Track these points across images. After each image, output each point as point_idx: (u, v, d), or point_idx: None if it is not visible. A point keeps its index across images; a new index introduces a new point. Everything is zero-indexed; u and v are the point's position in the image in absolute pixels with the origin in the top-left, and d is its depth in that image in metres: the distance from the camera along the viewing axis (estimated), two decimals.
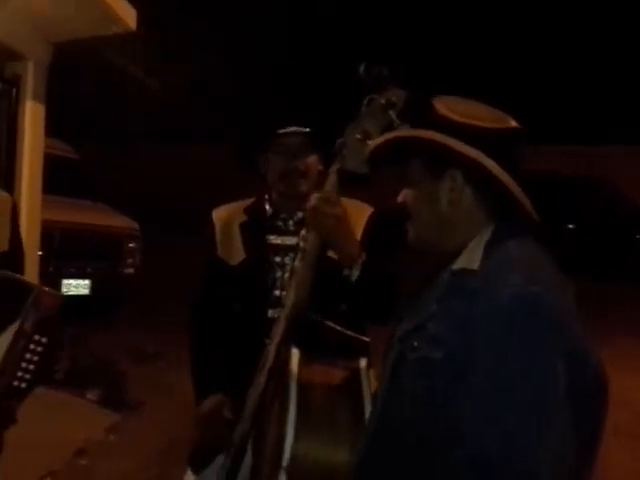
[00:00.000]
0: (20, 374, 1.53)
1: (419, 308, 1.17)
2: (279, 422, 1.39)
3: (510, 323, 1.00)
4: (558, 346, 1.00)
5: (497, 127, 1.14)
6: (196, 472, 1.87)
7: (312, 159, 1.84)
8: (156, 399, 4.70)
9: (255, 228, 1.89)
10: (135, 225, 7.51)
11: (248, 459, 1.59)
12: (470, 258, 1.11)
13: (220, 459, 1.70)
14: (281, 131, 1.82)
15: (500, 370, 0.99)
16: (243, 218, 1.92)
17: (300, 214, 1.83)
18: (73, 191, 6.95)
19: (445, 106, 1.16)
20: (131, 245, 7.32)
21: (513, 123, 1.16)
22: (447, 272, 1.14)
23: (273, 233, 1.87)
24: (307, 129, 1.81)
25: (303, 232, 1.70)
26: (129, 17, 4.04)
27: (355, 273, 1.55)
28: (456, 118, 1.13)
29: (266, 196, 1.93)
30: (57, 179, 5.61)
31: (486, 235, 1.13)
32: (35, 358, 1.54)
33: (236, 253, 1.87)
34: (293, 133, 1.81)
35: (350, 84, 1.50)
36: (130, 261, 7.32)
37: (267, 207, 1.92)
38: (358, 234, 1.76)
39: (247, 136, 2.10)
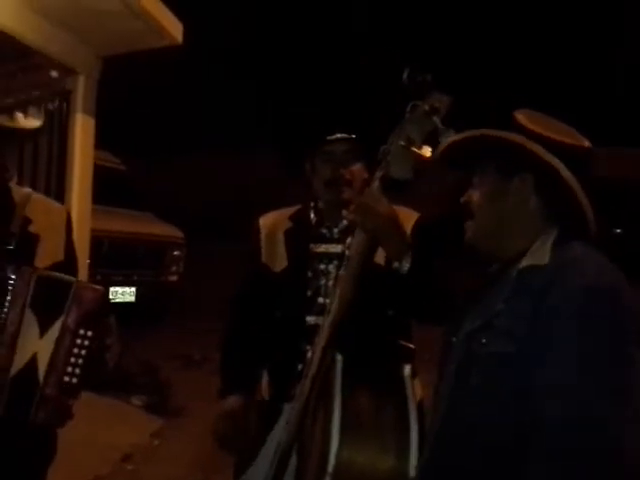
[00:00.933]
0: (70, 369, 1.56)
1: (481, 308, 1.20)
2: (324, 429, 1.40)
3: (586, 312, 1.05)
4: (632, 333, 1.06)
5: (574, 144, 1.22)
6: (235, 476, 1.90)
7: (357, 167, 1.84)
8: (200, 404, 4.75)
9: (299, 235, 1.91)
10: (179, 233, 7.67)
11: (292, 465, 1.60)
12: (538, 255, 1.16)
13: (261, 465, 1.72)
14: (327, 138, 1.83)
15: (580, 358, 1.03)
16: (288, 225, 1.94)
17: (345, 222, 1.84)
18: (120, 201, 7.14)
19: (526, 117, 1.23)
20: (175, 253, 7.48)
21: (587, 142, 1.24)
22: (513, 271, 1.18)
23: (317, 241, 1.89)
24: (353, 136, 1.83)
25: (349, 240, 1.70)
26: (175, 30, 4.14)
27: (405, 265, 1.53)
28: (538, 130, 1.20)
29: (311, 204, 1.95)
30: (105, 190, 5.77)
31: (552, 236, 1.19)
32: (83, 352, 1.56)
33: (279, 260, 1.90)
34: (339, 140, 1.82)
35: (394, 91, 1.51)
36: (174, 268, 7.48)
37: (312, 215, 1.93)
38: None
39: (294, 143, 2.12)
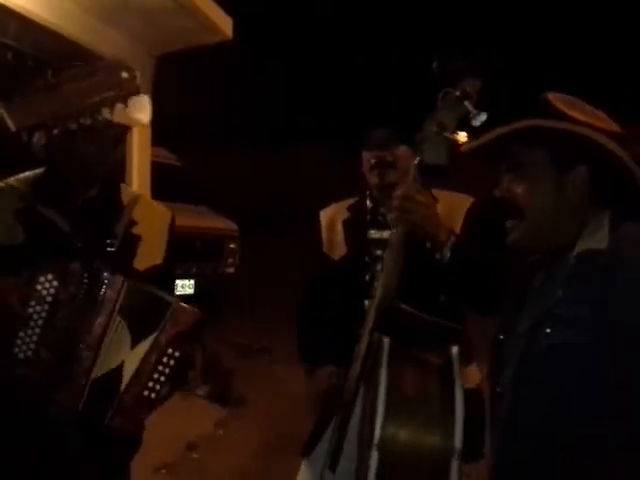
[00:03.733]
0: (151, 384, 1.60)
1: (538, 297, 1.18)
2: (372, 405, 1.43)
3: None
4: None
5: (621, 131, 1.18)
6: (306, 454, 1.95)
7: (401, 150, 1.91)
8: (261, 394, 4.84)
9: (357, 224, 1.99)
10: (234, 226, 7.79)
11: (352, 440, 1.63)
12: (596, 239, 1.13)
13: (325, 444, 1.77)
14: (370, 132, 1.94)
15: None
16: (346, 215, 2.04)
17: None
18: (177, 196, 7.28)
19: (563, 103, 1.18)
20: (231, 246, 7.62)
21: (618, 127, 1.20)
22: (568, 257, 1.15)
23: (374, 228, 1.96)
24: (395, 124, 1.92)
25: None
26: (225, 26, 4.16)
27: (446, 255, 1.56)
28: (580, 117, 1.15)
29: (367, 192, 2.03)
30: (163, 185, 5.89)
31: (604, 219, 1.15)
32: (167, 371, 1.60)
33: (339, 249, 1.99)
34: (381, 127, 1.92)
35: (426, 79, 1.51)
36: (230, 261, 7.62)
37: (368, 203, 2.01)
38: (458, 224, 1.82)
39: (349, 136, 2.24)
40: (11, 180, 1.67)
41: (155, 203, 1.90)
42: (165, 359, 1.60)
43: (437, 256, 1.56)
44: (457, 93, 1.48)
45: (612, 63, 12.92)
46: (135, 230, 1.72)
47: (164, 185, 6.16)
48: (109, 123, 1.55)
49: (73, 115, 1.02)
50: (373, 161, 1.92)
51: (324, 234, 2.06)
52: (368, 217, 1.99)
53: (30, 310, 1.53)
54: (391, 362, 1.43)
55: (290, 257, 9.10)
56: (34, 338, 1.54)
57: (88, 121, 1.01)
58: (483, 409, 1.66)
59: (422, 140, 1.55)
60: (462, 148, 1.40)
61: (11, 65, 3.52)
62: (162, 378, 1.61)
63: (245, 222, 8.04)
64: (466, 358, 1.57)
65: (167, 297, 1.64)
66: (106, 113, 1.03)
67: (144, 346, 1.60)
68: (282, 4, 13.72)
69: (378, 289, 1.58)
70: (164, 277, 1.71)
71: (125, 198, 1.75)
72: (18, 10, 3.45)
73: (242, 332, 6.37)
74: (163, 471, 3.49)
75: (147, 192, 4.73)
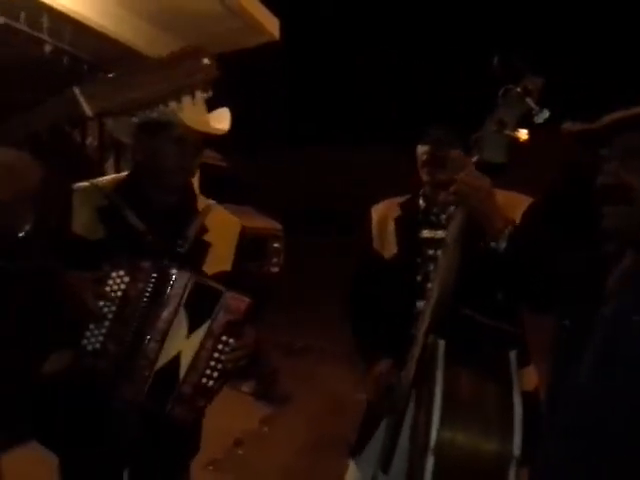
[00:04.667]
0: (208, 372, 1.64)
1: (625, 288, 1.17)
2: (427, 408, 1.43)
3: None
4: None
5: None
6: (354, 456, 1.96)
7: (454, 152, 1.90)
8: (305, 392, 4.87)
9: (408, 222, 1.97)
10: (278, 226, 7.87)
11: (404, 442, 1.63)
12: None
13: (375, 445, 1.77)
14: (427, 131, 1.94)
15: None
16: (398, 213, 2.02)
17: (452, 208, 1.84)
18: (223, 196, 7.39)
19: None
20: (275, 245, 7.69)
21: None
22: None
23: (426, 227, 1.94)
24: (449, 124, 1.91)
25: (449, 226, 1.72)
26: (272, 27, 4.22)
27: (502, 244, 1.52)
28: None
29: (420, 191, 2.01)
30: (210, 186, 6.00)
31: None
32: (222, 357, 1.64)
33: (389, 247, 1.97)
34: (435, 126, 1.92)
35: (484, 77, 1.50)
36: (275, 260, 7.69)
37: (420, 202, 1.99)
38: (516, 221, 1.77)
39: (397, 137, 2.22)
40: (97, 180, 1.77)
41: (227, 213, 1.95)
42: (220, 346, 1.64)
43: (493, 245, 1.52)
44: (518, 90, 1.47)
45: None
46: (206, 236, 1.78)
47: (210, 185, 6.27)
48: (190, 131, 1.65)
49: (151, 101, 1.01)
50: (425, 157, 1.93)
51: (375, 230, 2.04)
52: (420, 216, 1.97)
53: (101, 304, 1.60)
54: (447, 365, 1.43)
55: (334, 257, 9.13)
56: (103, 331, 1.60)
57: (163, 108, 1.01)
58: (540, 412, 1.64)
59: (481, 138, 1.53)
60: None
61: (66, 69, 3.64)
62: (218, 365, 1.64)
63: (290, 222, 8.11)
64: (523, 360, 1.55)
65: (218, 286, 1.68)
66: (180, 102, 1.02)
67: (199, 335, 1.63)
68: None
69: (433, 290, 1.58)
70: (233, 283, 1.75)
71: (200, 205, 1.83)
72: (74, 16, 3.57)
73: (286, 331, 6.41)
74: (211, 467, 3.54)
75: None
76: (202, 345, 1.63)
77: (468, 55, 13.02)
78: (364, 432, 1.96)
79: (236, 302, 1.66)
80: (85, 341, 1.60)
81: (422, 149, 1.95)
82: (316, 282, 8.44)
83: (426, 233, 1.93)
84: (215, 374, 1.64)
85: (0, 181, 1.01)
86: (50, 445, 1.75)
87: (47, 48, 3.46)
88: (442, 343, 1.47)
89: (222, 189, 7.44)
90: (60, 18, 3.49)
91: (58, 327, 1.63)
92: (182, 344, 1.64)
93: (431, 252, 1.90)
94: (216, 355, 1.64)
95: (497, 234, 1.53)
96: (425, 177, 1.95)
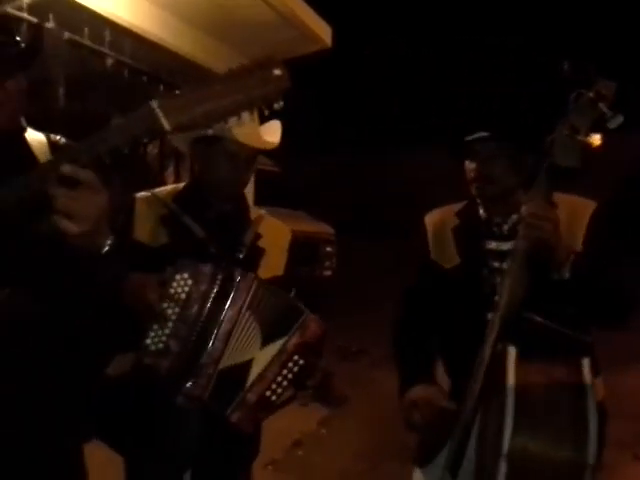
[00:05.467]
0: (274, 386, 1.67)
1: None
2: (498, 417, 1.41)
3: None
4: None
5: None
6: (421, 465, 1.93)
7: (501, 166, 1.80)
8: (362, 396, 4.88)
9: (469, 232, 1.90)
10: (330, 230, 7.91)
11: (471, 454, 1.62)
12: None
13: (444, 454, 1.74)
14: (470, 137, 1.82)
15: None
16: (455, 222, 1.94)
17: (515, 217, 1.82)
18: (276, 201, 7.49)
19: None
20: (328, 249, 7.73)
21: None
22: None
23: (489, 238, 1.87)
24: (496, 134, 1.79)
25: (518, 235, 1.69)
26: (326, 35, 4.26)
27: (565, 274, 1.53)
28: None
29: (478, 200, 1.93)
30: (263, 191, 6.10)
31: None
32: (289, 376, 1.67)
33: (450, 257, 1.90)
34: (481, 139, 1.80)
35: (552, 81, 1.49)
36: (327, 264, 7.73)
37: (481, 212, 1.92)
38: (580, 230, 1.73)
39: (450, 141, 2.13)
40: (157, 190, 1.87)
41: (278, 222, 2.02)
42: (290, 364, 1.67)
43: (555, 276, 1.53)
44: (591, 95, 1.44)
45: None
46: (260, 243, 1.85)
47: (264, 190, 6.37)
48: (243, 146, 1.72)
49: (225, 113, 1.03)
50: (472, 175, 1.85)
51: (431, 241, 1.96)
52: (483, 227, 1.89)
53: (165, 305, 1.66)
54: (519, 372, 1.41)
55: (388, 260, 9.10)
56: (166, 332, 1.66)
57: (236, 120, 1.02)
58: (606, 423, 1.61)
59: (553, 142, 1.51)
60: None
61: (127, 81, 3.78)
62: (284, 382, 1.67)
63: (343, 225, 8.14)
64: (594, 370, 1.52)
65: (301, 305, 1.71)
66: (252, 112, 1.04)
67: (273, 348, 1.67)
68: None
69: (502, 300, 1.55)
70: (285, 288, 1.79)
71: (252, 214, 1.92)
72: (134, 30, 3.70)
73: (340, 335, 6.43)
74: (270, 467, 3.60)
75: (251, 198, 4.91)
76: (274, 359, 1.66)
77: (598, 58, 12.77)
78: (432, 444, 1.88)
79: (315, 325, 1.70)
80: (148, 341, 1.66)
81: (470, 166, 1.86)
82: (369, 285, 8.44)
83: (490, 244, 1.85)
84: (280, 390, 1.67)
85: (84, 204, 1.04)
86: (115, 446, 1.80)
87: (109, 61, 3.59)
88: (512, 350, 1.45)
89: (275, 194, 7.55)
90: (121, 32, 3.63)
91: (123, 328, 1.70)
92: (255, 353, 1.67)
93: (496, 264, 1.82)
94: (285, 372, 1.67)
95: (560, 265, 1.53)
96: (474, 192, 1.88)
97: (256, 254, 1.83)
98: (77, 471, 1.38)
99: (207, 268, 1.68)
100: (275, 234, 1.93)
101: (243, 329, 1.68)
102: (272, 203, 7.23)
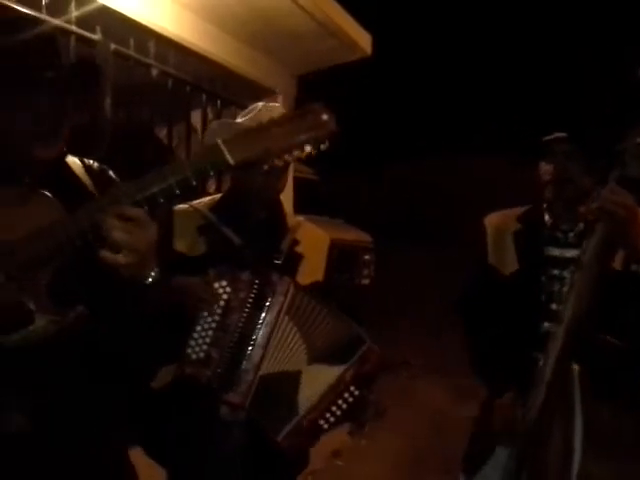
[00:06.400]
0: (327, 415, 1.66)
1: None
2: (565, 438, 1.37)
3: None
4: None
5: None
6: (467, 475, 1.90)
7: (580, 167, 1.78)
8: (402, 407, 4.83)
9: (531, 238, 1.86)
10: (369, 238, 7.88)
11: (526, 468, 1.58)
12: None
13: (497, 469, 1.70)
14: (548, 138, 1.82)
15: None
16: (517, 227, 1.90)
17: (582, 225, 1.77)
18: (314, 209, 7.50)
19: None
20: (366, 257, 7.70)
21: None
22: None
23: (552, 244, 1.83)
24: (573, 136, 1.78)
25: (584, 244, 1.64)
26: (365, 43, 4.25)
27: None
28: None
29: (544, 205, 1.89)
30: (302, 199, 6.11)
31: None
32: (344, 406, 1.66)
33: (509, 262, 1.86)
34: (559, 139, 1.79)
35: (623, 88, 1.44)
36: (366, 272, 7.70)
37: (547, 217, 1.88)
38: None
39: (521, 143, 2.11)
40: (194, 202, 1.90)
41: (316, 228, 2.04)
42: (346, 395, 1.66)
43: (634, 267, 1.48)
44: None
45: None
46: (298, 249, 1.86)
47: (302, 198, 6.39)
48: None
49: (282, 152, 1.12)
50: (548, 177, 1.83)
51: (490, 245, 1.92)
52: (546, 232, 1.85)
53: (205, 313, 1.67)
54: (584, 392, 1.37)
55: (426, 268, 9.01)
56: (207, 340, 1.67)
57: (289, 158, 1.13)
58: None
59: (624, 152, 1.47)
60: None
61: (171, 91, 3.83)
62: (338, 412, 1.65)
63: (381, 233, 8.10)
64: None
65: (363, 334, 1.71)
66: (302, 152, 1.14)
67: (329, 375, 1.66)
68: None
69: (565, 312, 1.50)
70: (325, 294, 1.79)
71: (289, 222, 1.93)
72: (178, 41, 3.76)
73: (379, 345, 6.40)
74: (310, 477, 3.58)
75: (290, 206, 4.92)
76: (331, 388, 1.65)
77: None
78: (477, 455, 1.87)
79: (375, 358, 1.69)
80: (189, 350, 1.67)
81: (545, 168, 1.84)
82: (407, 294, 8.37)
83: (552, 251, 1.81)
84: (332, 420, 1.66)
85: (135, 239, 1.09)
86: (158, 458, 1.81)
87: (154, 72, 3.65)
88: (577, 369, 1.42)
89: (314, 202, 7.56)
90: (166, 43, 3.69)
91: (166, 343, 1.71)
92: (302, 365, 1.67)
93: (556, 272, 1.78)
94: (340, 402, 1.65)
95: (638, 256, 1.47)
96: (549, 195, 1.85)
97: (294, 260, 1.83)
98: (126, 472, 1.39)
99: (245, 275, 1.70)
100: (313, 240, 1.93)
101: (283, 334, 1.68)
102: (310, 211, 7.25)
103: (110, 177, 1.43)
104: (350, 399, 1.65)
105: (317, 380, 1.65)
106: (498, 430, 1.81)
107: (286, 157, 1.13)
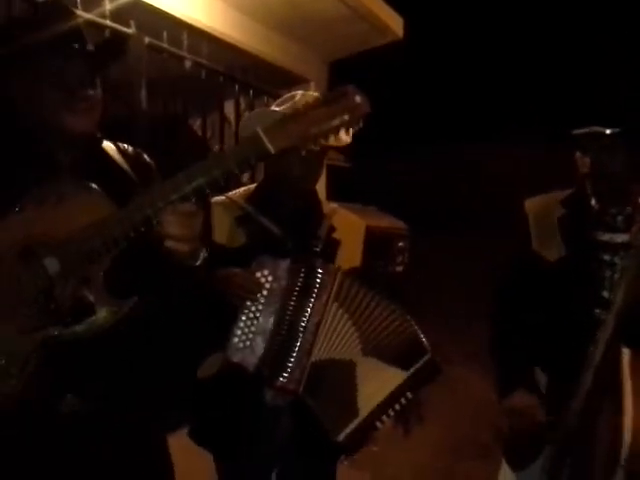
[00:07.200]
0: (384, 417, 1.70)
1: None
2: (612, 422, 1.35)
3: None
4: None
5: None
6: (515, 469, 1.88)
7: (621, 156, 1.72)
8: (440, 395, 4.79)
9: (577, 223, 1.82)
10: (403, 225, 7.83)
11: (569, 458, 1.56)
12: None
13: (540, 460, 1.69)
14: (583, 130, 1.77)
15: None
16: (561, 211, 1.86)
17: (629, 209, 1.73)
18: (347, 196, 7.48)
19: None
20: (400, 244, 7.66)
21: None
22: None
23: (600, 229, 1.78)
24: (612, 129, 1.71)
25: (634, 228, 1.61)
26: (397, 26, 4.21)
27: None
28: None
29: (589, 190, 1.84)
30: (334, 187, 6.11)
31: None
32: (397, 409, 1.70)
33: (554, 248, 1.82)
34: (595, 132, 1.74)
35: None
36: (400, 259, 7.67)
37: (593, 202, 1.83)
38: None
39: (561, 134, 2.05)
40: (231, 194, 1.92)
41: (351, 215, 2.05)
42: (403, 400, 1.69)
43: None
44: None
45: None
46: (335, 235, 1.87)
47: (335, 186, 6.38)
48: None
49: (318, 136, 1.12)
50: (586, 170, 1.78)
51: (533, 229, 1.87)
52: (594, 217, 1.80)
53: (249, 303, 1.70)
54: (634, 376, 1.36)
55: (462, 255, 8.93)
56: (252, 329, 1.70)
57: (325, 142, 1.14)
58: None
59: None
60: None
61: (204, 82, 3.85)
62: (392, 414, 1.69)
63: (415, 220, 8.04)
64: None
65: (425, 343, 1.72)
66: (337, 136, 1.15)
67: (391, 381, 1.68)
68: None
69: (618, 297, 1.49)
70: (364, 278, 1.79)
71: (325, 209, 1.94)
72: (210, 32, 3.78)
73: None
74: (345, 463, 3.60)
75: (323, 194, 4.92)
76: (393, 394, 1.68)
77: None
78: (527, 449, 1.83)
79: (433, 366, 1.71)
80: (236, 339, 1.69)
81: (583, 160, 1.80)
82: (442, 281, 8.31)
83: (602, 235, 1.77)
84: (386, 420, 1.69)
85: (188, 229, 1.16)
86: (205, 445, 1.85)
87: (187, 64, 3.67)
88: (627, 352, 1.40)
89: (346, 189, 7.54)
90: (198, 34, 3.70)
91: (212, 330, 1.75)
92: (356, 356, 1.68)
93: (607, 257, 1.74)
94: (396, 406, 1.69)
95: None
96: (590, 187, 1.81)
97: (332, 246, 1.85)
98: (163, 461, 1.43)
99: (286, 263, 1.72)
100: (349, 226, 1.94)
101: (333, 321, 1.69)
102: (343, 199, 7.24)
103: (146, 161, 1.47)
104: (404, 402, 1.69)
105: (376, 380, 1.67)
106: (517, 432, 1.80)
107: (322, 141, 1.14)
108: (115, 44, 1.36)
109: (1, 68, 1.24)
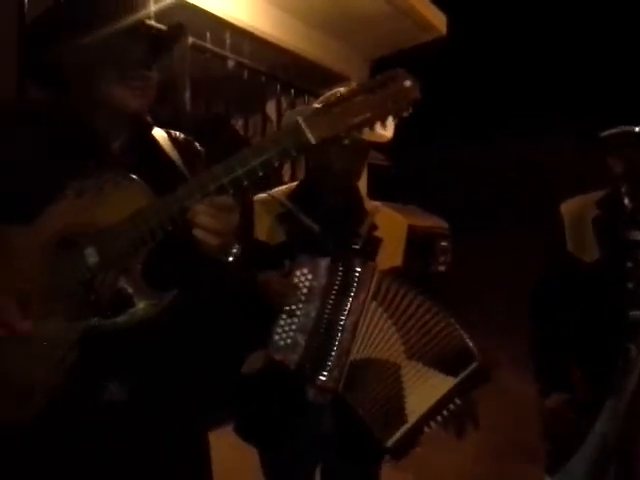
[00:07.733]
0: (431, 423, 1.66)
1: None
2: None
3: None
4: None
5: None
6: (550, 473, 1.85)
7: None
8: (482, 397, 4.73)
9: (611, 223, 1.81)
10: (445, 224, 7.74)
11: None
12: None
13: (581, 459, 1.65)
14: (612, 132, 1.75)
15: None
16: (596, 212, 1.86)
17: None
18: (388, 195, 7.44)
19: None
20: (442, 244, 7.57)
21: None
22: None
23: (634, 228, 1.77)
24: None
25: None
26: (440, 23, 4.16)
27: None
28: None
29: (623, 189, 1.83)
30: (374, 185, 6.08)
31: None
32: (445, 414, 1.65)
33: (590, 249, 1.82)
34: (625, 133, 1.73)
35: None
36: (442, 259, 7.58)
37: (626, 201, 1.81)
38: None
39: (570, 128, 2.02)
40: (273, 191, 1.91)
41: (394, 213, 2.01)
42: (451, 406, 1.66)
43: None
44: None
45: None
46: (377, 233, 1.85)
47: (375, 184, 6.34)
48: (357, 139, 1.70)
49: (363, 124, 1.07)
50: (619, 171, 1.77)
51: (568, 232, 1.88)
52: (628, 217, 1.80)
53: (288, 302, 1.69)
54: None
55: (504, 255, 8.78)
56: (293, 327, 1.69)
57: (371, 129, 1.06)
58: None
59: None
60: None
61: (246, 82, 3.88)
62: (439, 419, 1.66)
63: (457, 220, 7.94)
64: None
65: (474, 352, 1.67)
66: (385, 123, 1.07)
67: (439, 387, 1.65)
68: None
69: None
70: (405, 277, 1.76)
71: (367, 206, 1.91)
72: (253, 31, 3.80)
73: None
74: (388, 464, 3.57)
75: (364, 192, 4.90)
76: (439, 401, 1.64)
77: None
78: (560, 450, 1.83)
79: (483, 372, 1.67)
80: (276, 337, 1.69)
81: (615, 163, 1.79)
82: (485, 282, 8.19)
83: (635, 235, 1.76)
84: (433, 425, 1.66)
85: (222, 223, 1.12)
86: (250, 441, 1.85)
87: (230, 64, 3.70)
88: None
89: (387, 188, 7.49)
90: (240, 34, 3.73)
91: (253, 327, 1.75)
92: (399, 359, 1.66)
93: None
94: (444, 412, 1.65)
95: None
96: (624, 189, 1.79)
97: (373, 244, 1.82)
98: (200, 456, 1.43)
99: (325, 261, 1.71)
100: (391, 225, 1.92)
101: (372, 320, 1.67)
102: (384, 197, 7.19)
103: (196, 149, 1.46)
104: (452, 408, 1.65)
105: (424, 385, 1.64)
106: (556, 433, 1.76)
107: (367, 130, 1.08)
108: (175, 31, 1.34)
109: (64, 47, 1.22)
